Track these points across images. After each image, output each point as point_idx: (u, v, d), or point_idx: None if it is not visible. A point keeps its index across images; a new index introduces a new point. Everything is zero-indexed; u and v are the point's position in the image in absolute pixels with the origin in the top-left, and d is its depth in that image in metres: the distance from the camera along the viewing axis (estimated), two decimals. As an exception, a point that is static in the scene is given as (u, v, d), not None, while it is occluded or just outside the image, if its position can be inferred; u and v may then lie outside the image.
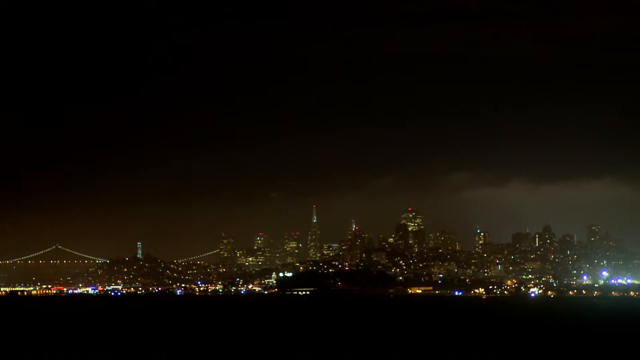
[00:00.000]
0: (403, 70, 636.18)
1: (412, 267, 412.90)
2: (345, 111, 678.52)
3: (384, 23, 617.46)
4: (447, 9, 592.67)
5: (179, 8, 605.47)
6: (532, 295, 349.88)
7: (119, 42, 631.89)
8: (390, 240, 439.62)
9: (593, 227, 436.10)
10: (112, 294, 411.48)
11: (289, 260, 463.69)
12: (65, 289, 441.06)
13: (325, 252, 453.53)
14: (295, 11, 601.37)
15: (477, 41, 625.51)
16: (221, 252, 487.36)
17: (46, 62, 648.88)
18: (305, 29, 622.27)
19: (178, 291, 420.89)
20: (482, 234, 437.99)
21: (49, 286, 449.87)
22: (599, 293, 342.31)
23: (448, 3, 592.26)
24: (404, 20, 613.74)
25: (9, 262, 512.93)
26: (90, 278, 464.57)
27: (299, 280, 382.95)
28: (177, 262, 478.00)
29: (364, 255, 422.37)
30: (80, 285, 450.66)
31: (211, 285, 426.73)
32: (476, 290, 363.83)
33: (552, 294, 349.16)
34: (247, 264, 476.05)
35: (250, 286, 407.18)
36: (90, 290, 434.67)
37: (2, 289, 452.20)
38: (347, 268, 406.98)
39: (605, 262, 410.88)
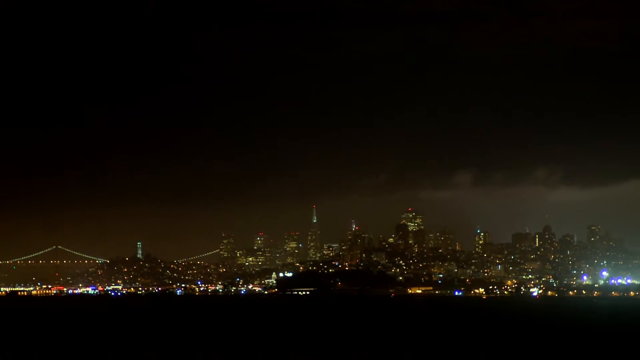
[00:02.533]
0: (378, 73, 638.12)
1: (412, 267, 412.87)
2: (344, 112, 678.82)
3: (361, 26, 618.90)
4: (421, 12, 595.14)
5: (178, 9, 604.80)
6: (534, 294, 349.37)
7: (118, 43, 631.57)
8: (390, 240, 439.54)
9: (593, 227, 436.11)
10: (112, 294, 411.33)
11: (289, 260, 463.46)
12: (65, 289, 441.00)
13: (325, 252, 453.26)
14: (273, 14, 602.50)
15: (453, 43, 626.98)
16: (221, 252, 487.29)
17: (45, 62, 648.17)
18: (290, 31, 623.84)
19: (178, 291, 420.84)
20: (482, 234, 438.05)
21: (49, 286, 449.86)
22: (599, 293, 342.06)
23: (423, 6, 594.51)
24: (380, 23, 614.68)
25: (9, 262, 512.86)
26: (90, 278, 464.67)
27: (299, 280, 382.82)
28: (177, 262, 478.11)
29: (364, 255, 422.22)
30: (80, 285, 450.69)
31: (211, 285, 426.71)
32: (476, 291, 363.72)
33: (552, 294, 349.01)
34: (247, 264, 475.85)
35: (250, 286, 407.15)
36: (90, 290, 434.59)
37: (2, 289, 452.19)
38: (347, 268, 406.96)
39: (605, 262, 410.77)
